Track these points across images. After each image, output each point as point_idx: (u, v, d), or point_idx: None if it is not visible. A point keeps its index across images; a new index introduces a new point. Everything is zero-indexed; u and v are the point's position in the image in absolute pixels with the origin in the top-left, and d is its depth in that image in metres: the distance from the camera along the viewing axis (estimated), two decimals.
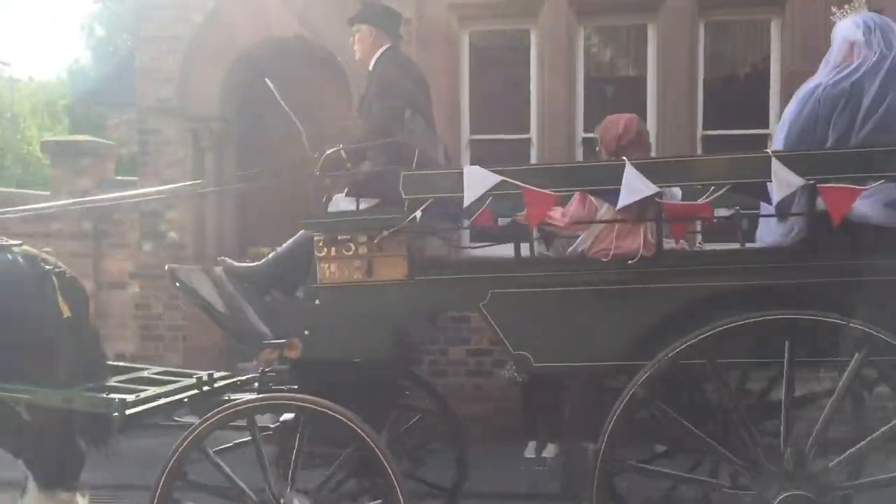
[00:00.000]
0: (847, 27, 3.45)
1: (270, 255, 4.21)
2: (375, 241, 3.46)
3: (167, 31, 7.84)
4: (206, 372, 4.10)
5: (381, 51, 4.31)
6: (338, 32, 7.49)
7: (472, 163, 7.58)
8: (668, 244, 3.53)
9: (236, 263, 4.23)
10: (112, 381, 4.12)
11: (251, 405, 3.48)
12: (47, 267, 4.04)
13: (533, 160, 7.49)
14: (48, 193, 7.44)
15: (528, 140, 7.56)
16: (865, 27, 3.38)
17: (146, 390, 3.92)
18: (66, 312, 4.01)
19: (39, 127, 27.48)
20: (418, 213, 3.36)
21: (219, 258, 4.35)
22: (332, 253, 3.53)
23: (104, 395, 3.78)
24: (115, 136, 14.47)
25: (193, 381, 4.01)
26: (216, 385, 4.04)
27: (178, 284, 4.00)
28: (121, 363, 4.68)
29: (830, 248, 3.15)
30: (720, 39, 7.68)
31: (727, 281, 3.20)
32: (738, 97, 7.53)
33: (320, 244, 3.55)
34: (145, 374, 4.42)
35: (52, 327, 3.94)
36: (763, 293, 3.15)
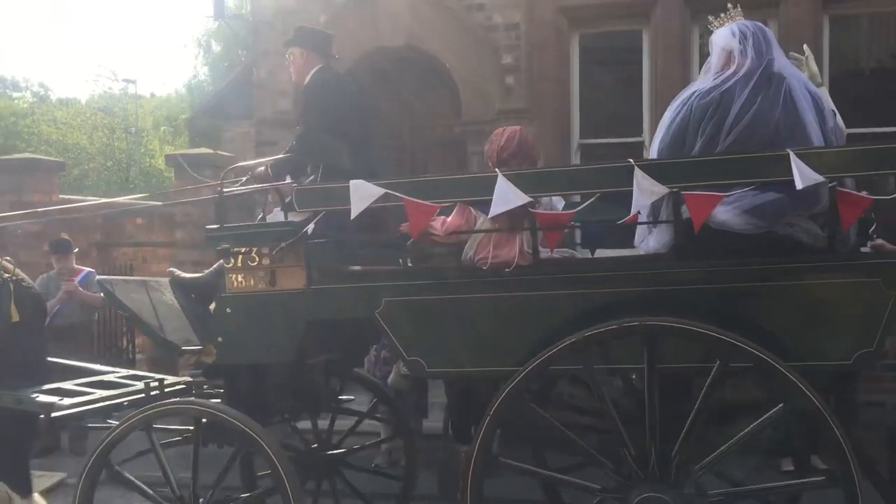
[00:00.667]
0: (724, 35, 3.48)
1: (214, 266, 4.34)
2: (274, 252, 3.63)
3: (280, 44, 8.07)
4: (160, 377, 4.38)
5: (312, 71, 4.53)
6: (445, 41, 7.56)
7: None
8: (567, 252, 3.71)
9: (183, 275, 4.48)
10: (68, 384, 4.31)
11: (145, 414, 3.67)
12: (6, 275, 4.38)
13: None
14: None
15: (640, 143, 7.39)
16: (741, 35, 3.41)
17: (91, 393, 4.16)
18: (16, 317, 4.33)
19: (161, 140, 28.92)
20: (310, 227, 3.56)
21: (168, 269, 4.55)
22: (239, 264, 3.72)
23: (32, 397, 4.00)
24: (230, 147, 15.02)
25: (142, 385, 4.23)
26: (166, 389, 4.24)
27: (103, 294, 4.42)
28: (93, 366, 4.87)
29: (695, 256, 3.19)
30: (845, 32, 7.34)
31: (600, 288, 3.24)
32: (867, 93, 7.15)
33: (228, 255, 3.75)
34: (110, 377, 4.61)
35: (3, 330, 4.26)
36: (640, 300, 3.18)
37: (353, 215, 3.45)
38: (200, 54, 32.13)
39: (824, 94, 3.62)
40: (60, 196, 7.89)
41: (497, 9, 7.48)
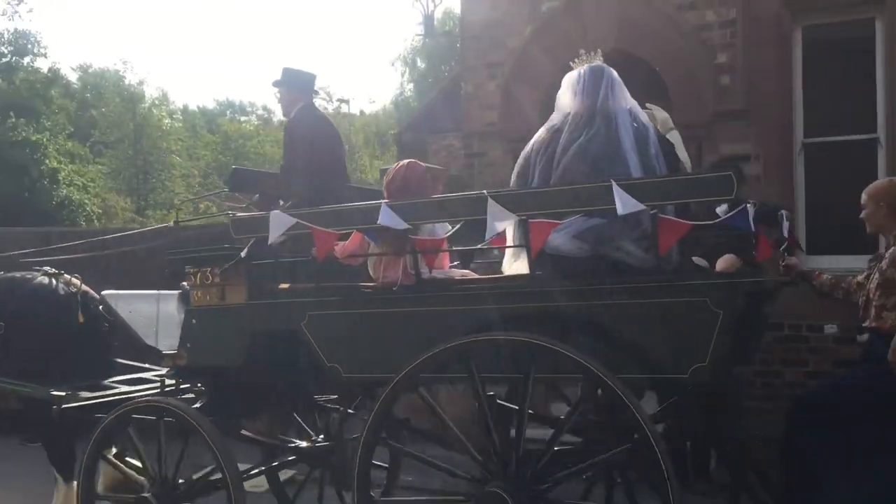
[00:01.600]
0: (569, 77, 3.82)
1: None
2: (221, 272, 4.26)
3: (486, 58, 8.22)
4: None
5: (296, 108, 5.17)
6: (654, 43, 7.34)
7: (807, 169, 7.08)
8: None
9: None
10: (111, 380, 5.16)
11: (122, 409, 4.38)
12: (73, 290, 5.38)
13: (881, 162, 6.73)
14: None
15: (875, 140, 6.78)
16: (577, 78, 3.75)
17: (114, 388, 5.02)
18: (81, 319, 5.24)
19: (370, 156, 30.41)
20: (244, 252, 4.12)
21: (180, 283, 4.92)
22: (198, 282, 4.38)
23: (45, 390, 4.86)
24: (436, 160, 15.49)
25: (158, 383, 4.82)
26: (181, 387, 4.80)
27: (101, 307, 5.27)
28: (145, 364, 5.50)
29: (540, 278, 3.49)
30: None
31: (466, 306, 3.63)
32: None
33: (190, 274, 4.41)
34: (149, 375, 5.33)
35: (72, 332, 5.19)
36: (499, 316, 3.50)
37: (269, 241, 4.00)
38: (406, 72, 33.51)
39: (675, 136, 4.26)
40: None
41: (711, 6, 7.16)
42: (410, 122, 21.54)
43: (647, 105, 4.14)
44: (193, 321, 4.42)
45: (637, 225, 3.46)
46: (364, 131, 34.57)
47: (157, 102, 32.70)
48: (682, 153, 4.27)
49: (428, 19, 14.15)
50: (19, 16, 21.01)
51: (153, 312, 5.12)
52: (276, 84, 5.35)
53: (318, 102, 24.28)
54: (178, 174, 29.63)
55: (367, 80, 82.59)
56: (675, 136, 4.30)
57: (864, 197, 4.32)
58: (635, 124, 3.67)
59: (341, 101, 28.91)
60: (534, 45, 7.85)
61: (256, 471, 4.80)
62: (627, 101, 3.75)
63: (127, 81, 30.86)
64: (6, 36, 20.97)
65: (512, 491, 3.31)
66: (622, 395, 3.15)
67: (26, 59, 21.32)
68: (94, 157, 24.02)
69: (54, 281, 5.44)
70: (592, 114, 3.65)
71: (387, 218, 3.67)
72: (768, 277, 3.88)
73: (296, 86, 5.29)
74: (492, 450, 3.46)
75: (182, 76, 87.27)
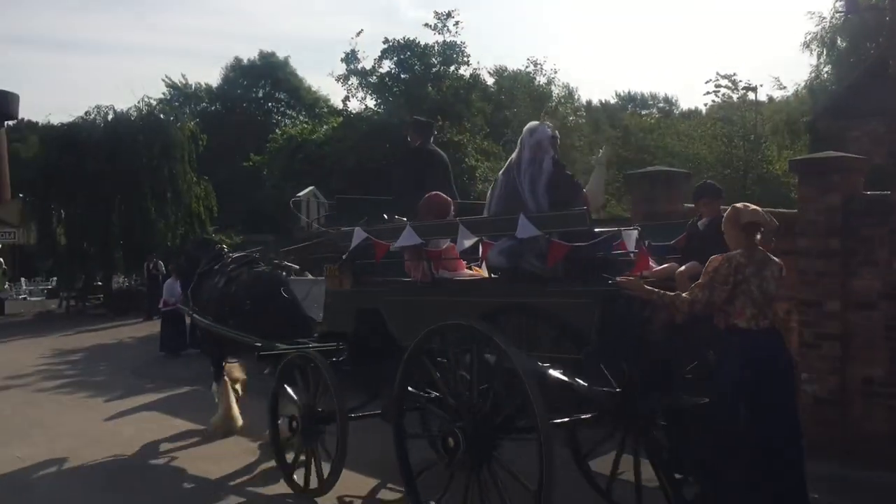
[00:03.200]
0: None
1: None
2: (339, 267, 6.13)
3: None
4: None
5: (418, 142, 7.12)
6: None
7: None
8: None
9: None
10: (305, 340, 7.01)
11: (285, 360, 6.38)
12: (284, 274, 8.51)
13: None
14: (794, 211, 7.53)
15: None
16: (525, 130, 5.21)
17: (305, 343, 6.81)
18: (287, 295, 7.83)
19: (779, 146, 28.46)
20: (346, 254, 5.97)
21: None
22: (329, 272, 6.30)
23: (254, 340, 7.14)
24: (856, 148, 14.00)
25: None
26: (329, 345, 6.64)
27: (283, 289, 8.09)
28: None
29: (491, 280, 5.41)
30: None
31: (461, 297, 5.35)
32: None
33: (326, 268, 6.54)
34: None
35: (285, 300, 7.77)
36: (476, 307, 5.12)
37: (350, 248, 5.78)
38: (823, 53, 30.72)
39: (597, 171, 6.24)
40: (684, 205, 8.34)
41: None
42: (826, 108, 19.80)
43: (600, 148, 5.60)
44: (328, 300, 6.41)
45: (534, 245, 4.78)
46: (773, 119, 32.41)
47: (562, 100, 34.25)
48: (593, 185, 5.96)
49: None
50: (447, 29, 23.22)
51: (318, 293, 7.09)
52: (405, 129, 7.96)
53: (722, 91, 23.19)
54: (581, 169, 30.76)
55: (775, 64, 77.26)
56: (597, 171, 6.25)
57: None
58: (539, 168, 5.01)
59: (747, 88, 27.38)
60: None
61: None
62: (543, 152, 5.06)
63: (537, 82, 32.79)
64: (436, 48, 23.45)
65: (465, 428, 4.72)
66: (510, 355, 4.46)
67: (451, 68, 23.64)
68: (505, 156, 25.99)
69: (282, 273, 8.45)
70: (510, 165, 5.19)
71: (405, 236, 5.32)
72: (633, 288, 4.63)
73: (417, 131, 7.20)
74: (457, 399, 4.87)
75: (586, 71, 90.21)
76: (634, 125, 34.05)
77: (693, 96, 77.71)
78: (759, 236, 4.54)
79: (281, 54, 48.58)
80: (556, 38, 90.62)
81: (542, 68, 33.14)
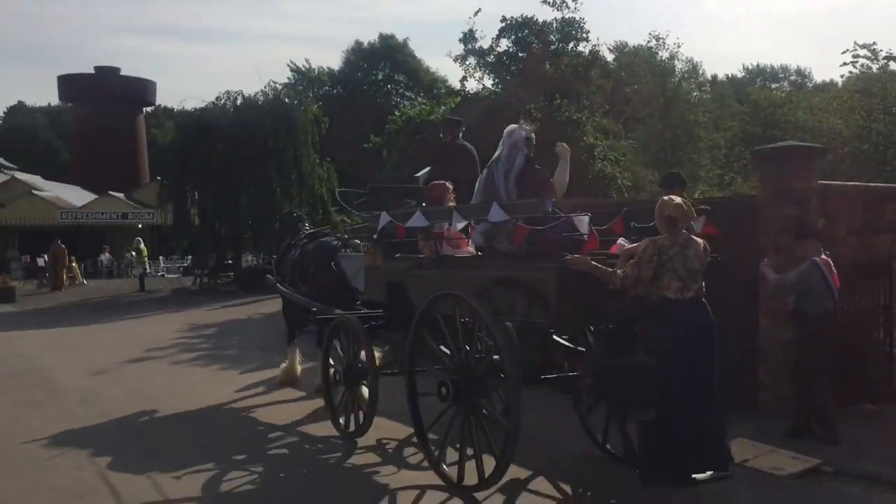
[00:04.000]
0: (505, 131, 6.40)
1: None
2: (373, 244, 7.50)
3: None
4: None
5: (448, 139, 8.54)
6: None
7: None
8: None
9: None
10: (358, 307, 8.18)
11: (334, 322, 7.75)
12: (340, 246, 9.25)
13: None
14: None
15: None
16: (505, 132, 6.34)
17: (357, 312, 7.86)
18: (336, 268, 8.84)
19: None
20: (375, 235, 7.28)
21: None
22: (366, 250, 7.91)
23: (313, 304, 8.79)
24: None
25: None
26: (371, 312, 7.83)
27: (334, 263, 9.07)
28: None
29: (479, 256, 6.61)
30: None
31: (459, 271, 6.45)
32: None
33: (363, 245, 8.57)
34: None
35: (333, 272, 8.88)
36: (473, 281, 6.12)
37: (377, 230, 6.97)
38: None
39: (561, 165, 6.67)
40: (819, 182, 7.91)
41: None
42: None
43: (557, 144, 6.82)
44: (366, 274, 7.59)
45: (506, 228, 5.85)
46: None
47: (686, 76, 33.08)
48: (558, 177, 6.54)
49: None
50: (566, 5, 22.78)
51: (356, 266, 8.13)
52: (440, 126, 9.80)
53: (861, 62, 21.72)
54: (704, 146, 29.64)
55: None
56: (561, 164, 6.64)
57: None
58: (511, 165, 6.14)
59: (889, 58, 25.56)
60: None
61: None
62: (518, 150, 6.17)
63: (659, 57, 31.80)
64: (554, 25, 23.07)
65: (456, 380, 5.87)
66: (486, 320, 5.55)
67: (570, 45, 23.22)
68: (626, 133, 25.29)
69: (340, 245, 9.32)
70: (490, 160, 6.34)
71: (415, 219, 6.37)
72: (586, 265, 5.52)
73: (450, 128, 8.67)
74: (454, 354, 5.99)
75: (712, 45, 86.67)
76: (763, 99, 32.46)
77: (828, 69, 73.36)
78: (679, 224, 5.38)
79: (400, 36, 49.29)
80: (678, 13, 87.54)
81: (664, 43, 32.11)
